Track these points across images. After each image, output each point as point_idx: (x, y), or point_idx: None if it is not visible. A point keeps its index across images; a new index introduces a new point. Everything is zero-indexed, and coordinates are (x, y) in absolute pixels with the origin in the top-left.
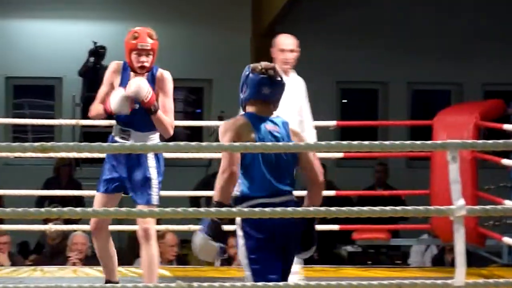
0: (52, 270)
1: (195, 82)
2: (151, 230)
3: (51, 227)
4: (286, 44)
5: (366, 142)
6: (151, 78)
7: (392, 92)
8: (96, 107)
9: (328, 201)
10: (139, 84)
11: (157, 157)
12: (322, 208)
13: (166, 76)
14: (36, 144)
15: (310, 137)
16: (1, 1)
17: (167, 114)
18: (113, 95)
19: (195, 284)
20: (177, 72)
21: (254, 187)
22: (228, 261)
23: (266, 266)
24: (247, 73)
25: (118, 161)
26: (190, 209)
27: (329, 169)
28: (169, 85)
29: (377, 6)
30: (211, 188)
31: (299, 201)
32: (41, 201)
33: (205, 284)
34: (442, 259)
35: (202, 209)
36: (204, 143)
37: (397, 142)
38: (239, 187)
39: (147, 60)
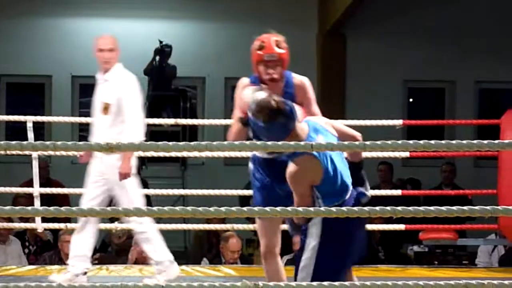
0: (118, 269)
1: None
2: None
3: (116, 226)
4: (98, 44)
5: (432, 141)
6: (289, 87)
7: (459, 91)
8: (234, 129)
9: (394, 201)
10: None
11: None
12: (388, 208)
13: (306, 82)
14: (102, 143)
15: (128, 137)
16: (67, 0)
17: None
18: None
19: (260, 283)
20: (243, 71)
21: None
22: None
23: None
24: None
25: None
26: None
27: (396, 168)
28: (311, 91)
29: (443, 5)
30: None
31: None
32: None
33: (271, 283)
34: (510, 260)
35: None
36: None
37: (464, 142)
38: None
39: (275, 72)
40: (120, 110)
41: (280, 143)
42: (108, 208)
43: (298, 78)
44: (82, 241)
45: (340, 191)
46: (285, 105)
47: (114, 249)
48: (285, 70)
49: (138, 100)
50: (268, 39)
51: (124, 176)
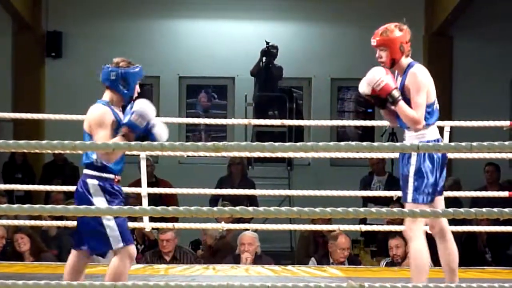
0: (224, 269)
1: None
2: (414, 229)
3: (223, 226)
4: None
5: None
6: (404, 74)
7: None
8: None
9: (502, 202)
10: (372, 73)
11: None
12: (495, 209)
13: (413, 70)
14: (208, 143)
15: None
16: (174, 2)
17: (414, 109)
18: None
19: (366, 284)
20: (348, 72)
21: None
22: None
23: None
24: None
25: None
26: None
27: (504, 169)
28: (415, 79)
29: None
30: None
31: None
32: (215, 200)
33: (377, 284)
34: None
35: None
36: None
37: None
38: None
39: (379, 55)
40: None
41: (386, 144)
42: (214, 209)
43: (413, 68)
44: None
45: None
46: None
47: (206, 249)
48: (395, 56)
49: None
50: (380, 28)
51: None
